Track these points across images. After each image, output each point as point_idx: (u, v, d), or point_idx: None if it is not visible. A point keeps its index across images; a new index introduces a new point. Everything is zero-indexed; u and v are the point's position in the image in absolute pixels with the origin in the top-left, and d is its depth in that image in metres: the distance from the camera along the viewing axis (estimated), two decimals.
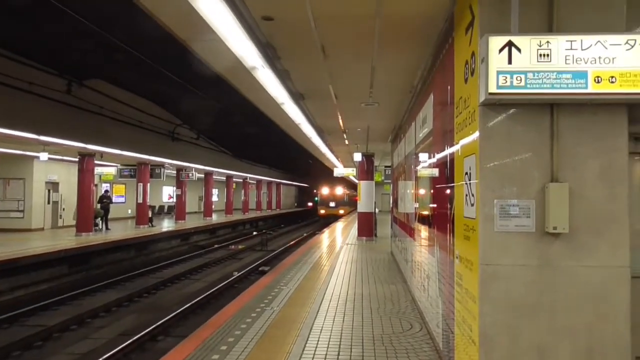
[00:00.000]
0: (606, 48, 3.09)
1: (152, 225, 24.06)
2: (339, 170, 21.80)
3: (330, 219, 40.32)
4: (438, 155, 5.30)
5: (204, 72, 9.13)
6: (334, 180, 43.50)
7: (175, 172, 28.14)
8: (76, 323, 9.90)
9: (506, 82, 3.16)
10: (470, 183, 3.69)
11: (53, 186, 22.82)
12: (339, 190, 48.22)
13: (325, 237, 19.57)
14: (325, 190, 48.61)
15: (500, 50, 3.17)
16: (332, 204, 47.67)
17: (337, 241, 17.88)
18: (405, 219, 9.56)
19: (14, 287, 12.71)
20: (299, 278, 9.78)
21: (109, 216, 22.17)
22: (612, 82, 3.08)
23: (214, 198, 37.75)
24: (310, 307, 7.26)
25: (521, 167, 3.36)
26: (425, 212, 6.38)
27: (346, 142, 14.97)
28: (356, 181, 20.63)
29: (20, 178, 21.28)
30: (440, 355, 5.02)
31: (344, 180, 45.62)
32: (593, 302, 3.26)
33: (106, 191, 23.63)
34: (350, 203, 51.89)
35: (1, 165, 20.89)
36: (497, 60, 3.17)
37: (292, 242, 25.04)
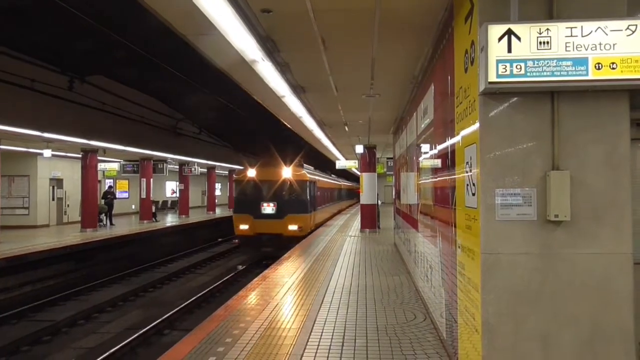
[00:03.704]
0: (607, 34, 3.07)
1: (156, 220, 24.15)
2: (342, 162, 21.78)
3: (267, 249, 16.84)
4: (439, 146, 5.29)
5: (204, 66, 9.11)
6: (283, 149, 19.17)
7: (178, 167, 28.18)
8: (83, 318, 9.99)
9: (506, 70, 3.14)
10: (471, 173, 3.69)
11: (57, 183, 22.92)
12: (286, 172, 17.54)
13: (325, 233, 19.59)
14: (250, 173, 17.60)
15: (500, 38, 3.15)
16: (267, 207, 17.22)
17: (340, 234, 17.89)
18: (407, 210, 9.57)
19: (22, 283, 12.82)
20: (303, 270, 9.82)
21: (113, 212, 22.26)
22: (613, 68, 3.07)
23: (217, 192, 37.81)
24: (314, 299, 7.29)
25: (522, 155, 3.35)
26: (428, 203, 6.38)
27: (347, 131, 14.95)
28: (358, 173, 20.30)
29: (24, 175, 21.37)
30: (444, 345, 5.04)
31: (313, 152, 20.98)
32: (596, 289, 3.26)
33: (110, 187, 23.72)
34: (333, 198, 27.46)
35: (5, 163, 20.90)
36: (496, 48, 3.15)
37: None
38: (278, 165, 17.43)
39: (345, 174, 38.61)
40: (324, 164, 28.39)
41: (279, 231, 16.52)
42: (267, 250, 16.38)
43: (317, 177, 20.74)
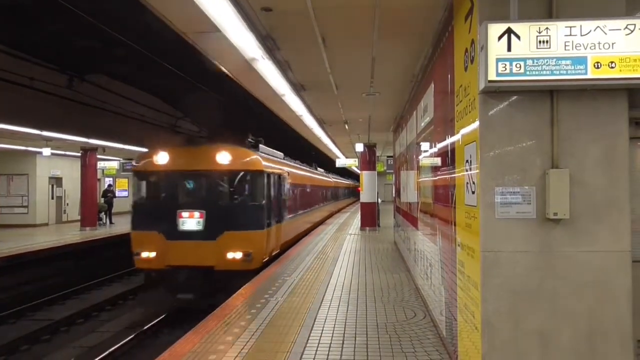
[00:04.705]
0: (605, 33, 3.09)
1: None
2: (341, 160, 21.82)
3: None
4: (439, 144, 5.31)
5: (204, 64, 9.11)
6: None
7: None
8: (83, 317, 10.00)
9: (505, 69, 3.16)
10: (471, 171, 3.70)
11: (56, 181, 22.92)
12: (223, 157, 9.76)
13: (325, 231, 19.62)
14: (161, 159, 9.93)
15: (500, 37, 3.17)
16: (189, 220, 9.50)
17: (340, 232, 17.91)
18: (407, 209, 9.59)
19: (21, 282, 12.83)
20: (303, 268, 9.84)
21: (113, 210, 22.26)
22: (612, 67, 3.08)
23: None
24: (315, 297, 7.31)
25: (521, 154, 3.37)
26: (428, 201, 6.40)
27: (347, 130, 14.96)
28: (357, 171, 20.06)
29: (23, 174, 21.38)
30: (444, 343, 5.07)
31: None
32: (594, 287, 3.28)
33: (109, 185, 23.70)
34: (318, 200, 21.47)
35: (4, 161, 20.96)
36: (496, 47, 3.16)
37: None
38: (209, 146, 10.28)
39: (341, 169, 34.40)
40: (309, 153, 22.55)
41: (209, 262, 9.26)
42: (186, 297, 9.19)
43: (285, 168, 13.39)
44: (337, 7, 4.81)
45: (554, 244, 3.32)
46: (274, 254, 10.94)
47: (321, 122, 12.87)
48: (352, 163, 21.62)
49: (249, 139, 11.62)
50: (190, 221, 9.44)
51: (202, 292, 9.10)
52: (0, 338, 8.55)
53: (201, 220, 9.41)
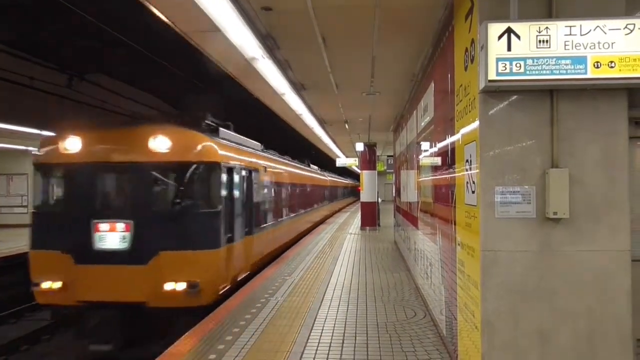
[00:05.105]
0: (605, 33, 3.09)
1: None
2: (342, 160, 21.84)
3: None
4: (439, 144, 5.31)
5: (204, 63, 9.12)
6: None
7: None
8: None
9: (505, 68, 3.16)
10: (471, 170, 3.71)
11: None
12: (161, 143, 6.80)
13: (325, 230, 19.61)
14: (71, 146, 6.97)
15: (500, 37, 3.17)
16: (109, 235, 6.67)
17: (340, 232, 17.92)
18: (407, 208, 9.59)
19: (21, 282, 12.82)
20: (303, 268, 9.84)
21: None
22: (612, 67, 3.09)
23: None
24: (315, 297, 7.32)
25: (521, 153, 3.37)
26: (428, 201, 6.40)
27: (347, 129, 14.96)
28: (358, 171, 19.91)
29: (23, 173, 21.36)
30: (444, 342, 5.07)
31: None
32: (594, 286, 3.29)
33: None
34: (307, 202, 18.62)
35: (4, 161, 20.95)
36: (496, 47, 3.17)
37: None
38: (142, 127, 7.38)
39: (340, 169, 32.27)
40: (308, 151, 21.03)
41: (137, 297, 6.68)
42: (102, 349, 6.60)
43: (261, 162, 10.58)
44: (337, 7, 4.81)
45: (553, 243, 3.33)
46: (240, 278, 8.22)
47: (321, 122, 12.88)
48: (352, 162, 21.62)
49: (207, 121, 8.62)
50: (111, 236, 6.72)
51: (127, 341, 6.71)
52: (0, 338, 8.54)
53: (127, 234, 6.69)
